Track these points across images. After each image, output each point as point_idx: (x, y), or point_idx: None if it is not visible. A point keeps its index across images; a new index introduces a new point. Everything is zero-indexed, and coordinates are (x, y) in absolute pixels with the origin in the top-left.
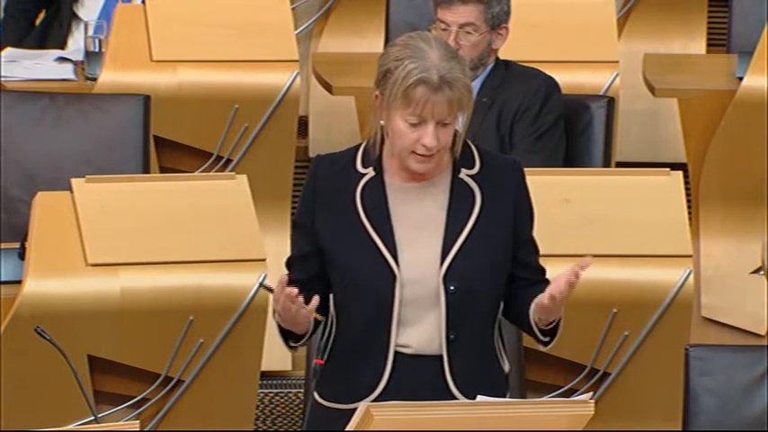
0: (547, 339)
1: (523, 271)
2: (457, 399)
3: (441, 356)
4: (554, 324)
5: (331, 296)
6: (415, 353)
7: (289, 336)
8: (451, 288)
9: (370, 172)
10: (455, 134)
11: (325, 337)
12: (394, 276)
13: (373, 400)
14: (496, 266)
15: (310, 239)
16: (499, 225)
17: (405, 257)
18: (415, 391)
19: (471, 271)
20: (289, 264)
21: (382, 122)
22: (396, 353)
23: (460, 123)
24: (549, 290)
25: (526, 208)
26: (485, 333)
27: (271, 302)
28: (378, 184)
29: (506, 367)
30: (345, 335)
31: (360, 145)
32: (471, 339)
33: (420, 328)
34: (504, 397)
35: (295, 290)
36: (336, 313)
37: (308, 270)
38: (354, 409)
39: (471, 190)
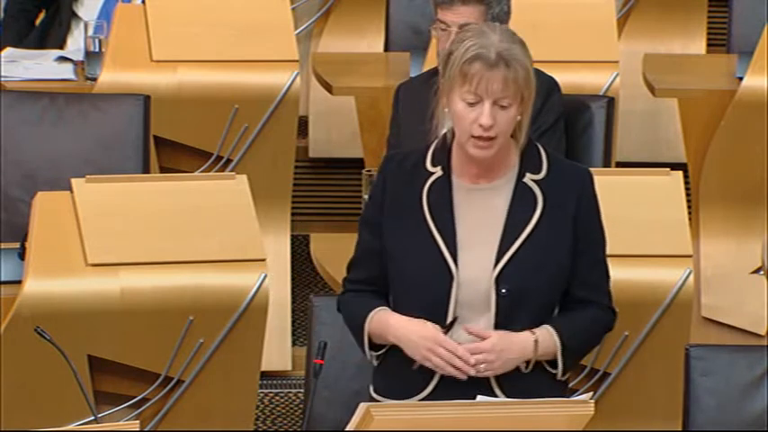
0: (555, 371)
1: (580, 288)
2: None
3: None
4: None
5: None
6: None
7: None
8: (503, 291)
9: (439, 171)
10: (518, 125)
11: (323, 347)
12: (451, 276)
13: (425, 398)
14: (550, 273)
15: (379, 234)
16: (557, 233)
17: (463, 258)
18: (463, 391)
19: (524, 275)
20: (352, 263)
21: (446, 110)
22: None
23: (524, 112)
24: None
25: (592, 221)
26: None
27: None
28: (445, 184)
29: (559, 374)
30: None
31: (431, 144)
32: None
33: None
34: None
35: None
36: (394, 310)
37: (375, 267)
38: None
39: (534, 195)
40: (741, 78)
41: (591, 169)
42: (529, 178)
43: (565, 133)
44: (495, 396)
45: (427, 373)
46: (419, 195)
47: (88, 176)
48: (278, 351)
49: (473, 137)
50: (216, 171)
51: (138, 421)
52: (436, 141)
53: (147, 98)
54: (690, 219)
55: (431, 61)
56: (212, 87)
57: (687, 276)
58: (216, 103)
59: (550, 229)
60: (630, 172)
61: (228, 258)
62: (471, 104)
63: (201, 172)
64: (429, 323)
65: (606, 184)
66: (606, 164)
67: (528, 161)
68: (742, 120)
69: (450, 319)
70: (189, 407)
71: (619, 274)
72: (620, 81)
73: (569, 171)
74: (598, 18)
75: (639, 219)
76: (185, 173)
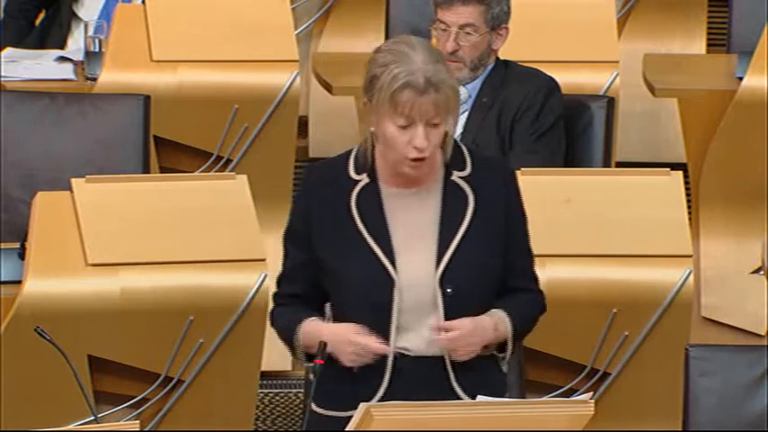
0: (501, 355)
1: (515, 278)
2: (461, 398)
3: (443, 357)
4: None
5: (327, 306)
6: (417, 355)
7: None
8: (448, 291)
9: (364, 178)
10: (445, 135)
11: (322, 347)
12: (392, 282)
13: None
14: (490, 267)
15: (306, 248)
16: (492, 226)
17: (402, 263)
18: (417, 393)
19: (466, 273)
20: (281, 278)
21: (372, 129)
22: (396, 356)
23: (450, 125)
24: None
25: (517, 210)
26: None
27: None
28: (373, 191)
29: (504, 367)
30: None
31: (350, 151)
32: None
33: (419, 333)
34: (504, 396)
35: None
36: (338, 321)
37: (305, 281)
38: None
39: (464, 192)
40: (741, 78)
41: (590, 169)
42: (456, 176)
43: (565, 133)
44: (454, 391)
45: (373, 382)
46: (347, 204)
47: (88, 176)
48: (278, 351)
49: (407, 158)
50: (216, 171)
51: (138, 421)
52: (355, 149)
53: (147, 98)
54: (690, 219)
55: None
56: (212, 87)
57: (687, 276)
58: (216, 103)
59: (485, 224)
60: (630, 172)
61: (228, 258)
62: (403, 127)
63: (201, 172)
64: (351, 325)
65: (606, 184)
66: (606, 164)
67: (453, 160)
68: (742, 120)
69: (393, 325)
70: (189, 407)
71: (619, 274)
72: (620, 81)
73: (493, 165)
74: (598, 18)
75: (639, 219)
76: (185, 173)
